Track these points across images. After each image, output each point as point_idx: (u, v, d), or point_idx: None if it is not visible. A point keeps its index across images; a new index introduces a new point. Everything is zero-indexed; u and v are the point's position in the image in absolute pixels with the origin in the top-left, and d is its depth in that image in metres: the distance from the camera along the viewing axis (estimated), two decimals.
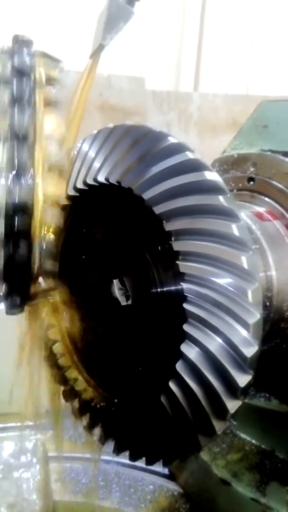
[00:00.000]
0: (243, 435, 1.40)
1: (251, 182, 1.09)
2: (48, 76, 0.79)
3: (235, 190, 1.13)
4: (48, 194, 0.74)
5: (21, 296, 0.78)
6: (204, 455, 1.35)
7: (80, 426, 1.10)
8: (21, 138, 0.70)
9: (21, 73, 0.76)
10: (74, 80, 1.02)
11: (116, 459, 1.43)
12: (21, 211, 0.71)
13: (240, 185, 1.11)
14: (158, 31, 2.96)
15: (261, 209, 1.06)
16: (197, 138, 2.25)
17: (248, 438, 1.40)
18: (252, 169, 1.09)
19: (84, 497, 1.45)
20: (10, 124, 0.70)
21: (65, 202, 0.94)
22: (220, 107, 2.33)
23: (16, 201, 0.71)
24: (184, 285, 0.77)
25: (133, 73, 2.25)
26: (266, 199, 1.07)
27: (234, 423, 1.21)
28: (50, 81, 0.79)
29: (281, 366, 1.09)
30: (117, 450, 0.97)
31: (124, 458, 1.01)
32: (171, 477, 1.48)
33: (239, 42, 3.24)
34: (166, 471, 1.50)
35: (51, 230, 0.79)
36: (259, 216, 1.04)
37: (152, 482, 1.47)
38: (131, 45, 2.43)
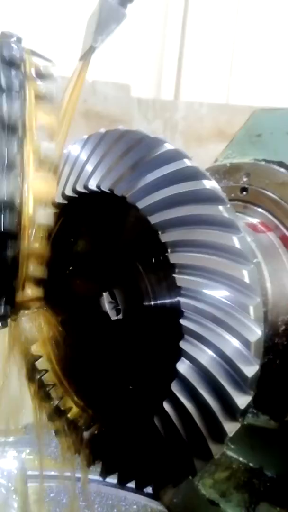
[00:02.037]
0: (230, 453, 1.36)
1: (244, 192, 1.06)
2: (39, 71, 0.74)
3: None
4: (38, 191, 0.69)
5: (7, 302, 0.72)
6: None
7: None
8: (10, 130, 0.65)
9: (11, 63, 0.71)
10: (62, 85, 0.98)
11: (97, 477, 1.38)
12: (8, 209, 0.66)
13: (232, 195, 1.08)
14: (140, 38, 2.95)
15: (254, 220, 1.03)
16: (183, 147, 2.21)
17: (235, 456, 1.36)
18: (245, 179, 1.06)
19: None
20: None
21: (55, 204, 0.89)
22: (205, 116, 2.31)
23: (4, 197, 0.66)
24: (181, 299, 0.73)
25: (115, 79, 2.22)
26: (260, 210, 1.03)
27: (232, 446, 1.16)
28: (41, 76, 0.74)
29: (273, 383, 1.05)
30: (105, 473, 0.92)
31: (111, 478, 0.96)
32: (155, 496, 1.43)
33: (220, 51, 3.25)
34: (150, 490, 1.44)
35: (41, 233, 0.73)
36: (253, 227, 1.00)
37: (135, 501, 1.41)
38: (113, 51, 2.40)
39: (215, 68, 3.19)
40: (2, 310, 0.72)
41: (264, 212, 1.03)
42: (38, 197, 0.70)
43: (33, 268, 0.74)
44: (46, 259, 0.75)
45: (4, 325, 0.84)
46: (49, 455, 1.42)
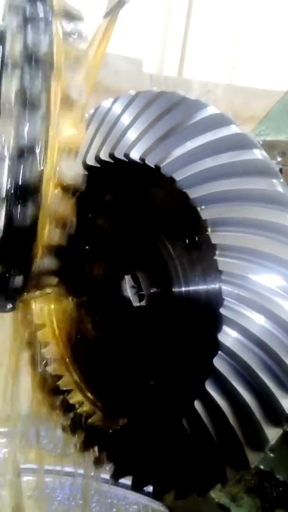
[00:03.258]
0: None
1: None
2: (67, 10, 0.64)
3: None
4: (64, 136, 0.58)
5: (21, 271, 0.61)
6: None
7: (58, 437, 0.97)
8: (35, 63, 0.55)
9: None
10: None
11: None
12: (29, 156, 0.55)
13: None
14: (144, 14, 2.83)
15: None
16: None
17: None
18: (280, 159, 0.96)
19: None
20: (24, 46, 0.55)
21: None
22: (220, 98, 2.21)
23: (25, 141, 0.55)
24: (222, 286, 0.63)
25: (127, 53, 2.11)
26: None
27: (271, 455, 1.08)
28: (69, 15, 0.64)
29: None
30: (116, 475, 0.82)
31: (105, 473, 0.87)
32: (157, 496, 1.34)
33: (226, 31, 3.15)
34: (151, 489, 1.36)
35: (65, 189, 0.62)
36: None
37: (136, 501, 1.33)
38: (125, 25, 2.29)
39: (220, 48, 3.09)
40: (17, 282, 0.61)
41: None
42: (64, 143, 0.58)
43: (54, 234, 0.63)
44: (70, 224, 0.64)
45: (12, 307, 0.74)
46: (44, 449, 1.34)
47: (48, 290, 0.81)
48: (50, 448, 1.31)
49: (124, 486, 1.35)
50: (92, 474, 1.23)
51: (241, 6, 3.20)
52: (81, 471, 1.15)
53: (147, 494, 1.36)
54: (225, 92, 2.26)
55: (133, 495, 1.34)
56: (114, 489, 1.33)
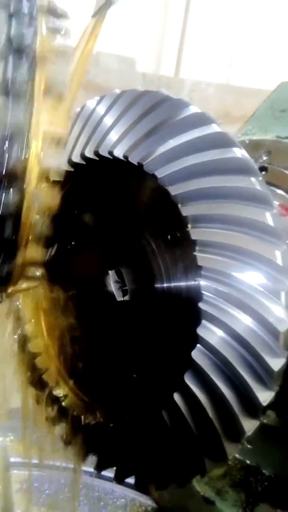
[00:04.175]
0: None
1: (264, 172, 0.98)
2: (53, 7, 0.65)
3: None
4: (48, 126, 0.59)
5: (5, 260, 0.62)
6: None
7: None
8: (19, 54, 0.56)
9: None
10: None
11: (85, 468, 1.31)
12: (13, 142, 0.56)
13: None
14: (143, 12, 2.84)
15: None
16: None
17: None
18: (265, 158, 0.98)
19: (48, 510, 1.31)
20: (7, 37, 0.56)
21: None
22: (212, 96, 2.22)
23: (8, 129, 0.55)
24: (201, 281, 0.65)
25: (119, 52, 2.12)
26: (280, 191, 0.96)
27: (249, 446, 1.09)
28: (54, 13, 0.65)
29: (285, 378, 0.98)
30: (100, 467, 0.84)
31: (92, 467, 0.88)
32: (144, 490, 1.36)
33: (224, 31, 3.16)
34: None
35: (49, 178, 0.63)
36: None
37: (123, 495, 1.35)
38: (118, 24, 2.30)
39: (217, 48, 3.10)
40: (1, 271, 0.62)
41: (285, 194, 0.95)
42: (48, 133, 0.59)
43: (39, 222, 0.64)
44: (55, 213, 0.65)
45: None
46: (35, 443, 1.35)
47: (34, 283, 0.83)
48: (40, 442, 1.33)
49: (111, 479, 1.37)
50: (79, 467, 1.24)
51: (239, 5, 3.21)
52: (69, 465, 1.16)
53: (135, 487, 1.38)
54: (217, 91, 2.28)
55: (121, 489, 1.35)
56: (102, 482, 1.34)
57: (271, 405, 1.08)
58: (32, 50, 0.58)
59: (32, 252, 0.67)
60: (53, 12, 0.67)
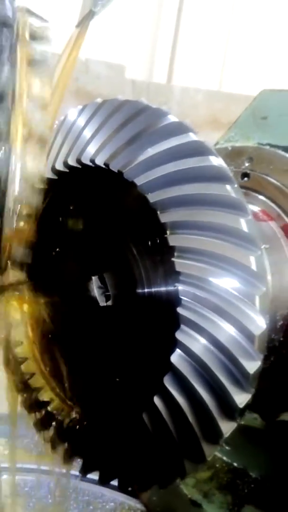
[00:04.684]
0: None
1: (246, 178, 1.00)
2: (34, 32, 0.67)
3: None
4: (26, 168, 0.62)
5: None
6: None
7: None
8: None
9: (2, 24, 0.64)
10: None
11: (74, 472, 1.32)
12: None
13: None
14: (135, 20, 2.86)
15: (255, 208, 0.97)
16: None
17: (219, 455, 1.30)
18: (247, 164, 1.00)
19: None
20: None
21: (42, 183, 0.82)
22: (200, 103, 2.25)
23: None
24: (179, 286, 0.66)
25: (110, 59, 2.14)
26: (262, 197, 0.97)
27: (227, 448, 1.11)
28: (35, 37, 0.67)
29: (267, 380, 1.00)
30: (85, 470, 0.85)
31: None
32: (133, 493, 1.37)
33: (215, 37, 3.19)
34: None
35: (26, 213, 0.66)
36: (254, 215, 0.94)
37: (113, 499, 1.35)
38: (108, 31, 2.32)
39: (209, 54, 3.13)
40: None
41: (266, 200, 0.97)
42: (25, 173, 0.62)
43: (18, 249, 0.67)
44: (32, 240, 0.68)
45: None
46: (25, 448, 1.36)
47: (20, 289, 0.85)
48: (29, 447, 1.34)
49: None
50: (68, 471, 1.25)
51: (231, 11, 3.24)
52: (59, 469, 1.17)
53: (124, 491, 1.39)
54: (205, 97, 2.30)
55: (110, 493, 1.36)
56: (91, 486, 1.35)
57: (254, 408, 1.09)
58: (11, 91, 0.60)
59: (16, 255, 0.69)
60: (35, 38, 0.69)
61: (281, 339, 0.96)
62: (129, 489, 1.37)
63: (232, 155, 1.03)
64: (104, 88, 1.94)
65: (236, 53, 3.05)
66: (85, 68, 1.90)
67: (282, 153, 0.95)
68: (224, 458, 1.30)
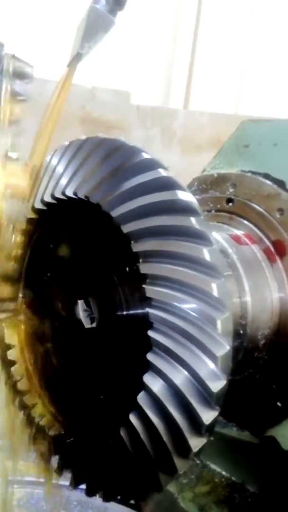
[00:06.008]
0: (213, 466, 1.34)
1: (230, 204, 1.05)
2: (18, 70, 0.74)
3: (213, 211, 1.09)
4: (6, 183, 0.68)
5: None
6: (171, 487, 1.29)
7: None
8: None
9: None
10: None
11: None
12: None
13: (218, 206, 1.07)
14: (150, 46, 2.94)
15: (239, 232, 1.02)
16: (180, 155, 2.22)
17: (218, 470, 1.34)
18: (231, 190, 1.05)
19: None
20: None
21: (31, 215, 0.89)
22: (205, 125, 2.30)
23: None
24: (150, 310, 0.72)
25: (120, 87, 2.22)
26: (245, 221, 1.02)
27: (200, 458, 1.14)
28: (19, 75, 0.74)
29: (253, 397, 1.04)
30: (74, 483, 0.90)
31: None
32: (136, 507, 1.41)
33: (231, 62, 3.24)
34: (132, 501, 1.42)
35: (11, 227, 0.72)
36: (237, 239, 0.99)
37: None
38: (121, 58, 2.40)
39: (225, 79, 3.18)
40: None
41: (249, 224, 1.02)
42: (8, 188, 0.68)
43: (6, 266, 0.73)
44: (19, 258, 0.73)
45: None
46: (31, 461, 1.41)
47: (15, 315, 0.91)
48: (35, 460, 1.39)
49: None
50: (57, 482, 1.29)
51: (246, 37, 3.29)
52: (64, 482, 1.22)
53: (127, 505, 1.43)
54: (210, 119, 2.36)
55: (114, 506, 1.40)
56: (95, 500, 1.40)
57: (244, 424, 1.13)
58: None
59: (2, 290, 0.75)
60: (18, 76, 0.76)
61: (265, 357, 1.00)
62: (132, 502, 1.41)
63: (217, 181, 1.08)
64: (110, 114, 2.02)
65: (251, 77, 3.09)
66: (92, 96, 1.98)
67: (262, 179, 1.00)
68: (224, 473, 1.34)
